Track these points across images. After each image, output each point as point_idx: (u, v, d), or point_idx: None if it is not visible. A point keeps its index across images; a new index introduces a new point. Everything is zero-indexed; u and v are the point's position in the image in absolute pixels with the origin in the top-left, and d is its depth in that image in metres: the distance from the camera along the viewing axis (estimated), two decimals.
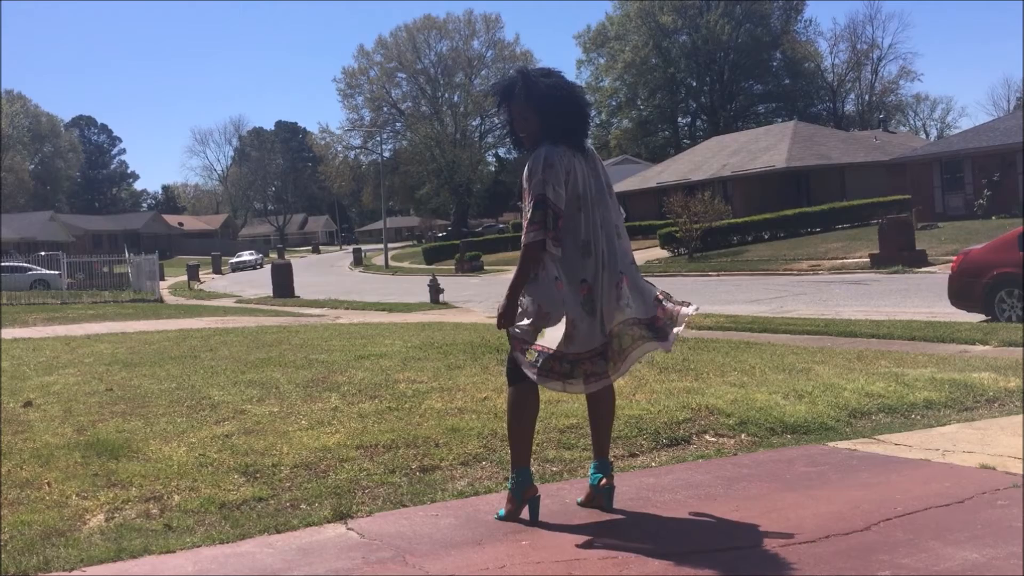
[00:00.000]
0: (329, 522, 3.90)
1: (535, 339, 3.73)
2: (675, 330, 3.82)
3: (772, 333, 11.00)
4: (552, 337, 3.70)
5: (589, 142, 3.99)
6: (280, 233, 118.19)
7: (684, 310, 3.83)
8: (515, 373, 3.88)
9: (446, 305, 22.17)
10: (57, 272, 33.22)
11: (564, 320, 3.69)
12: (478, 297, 24.86)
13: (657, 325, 3.83)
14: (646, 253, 38.50)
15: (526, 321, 3.76)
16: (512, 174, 78.45)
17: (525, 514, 3.83)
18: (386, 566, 3.37)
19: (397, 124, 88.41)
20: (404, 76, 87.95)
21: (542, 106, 3.81)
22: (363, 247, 79.76)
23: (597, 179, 3.87)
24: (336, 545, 3.62)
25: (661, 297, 3.90)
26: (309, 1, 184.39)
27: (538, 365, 3.69)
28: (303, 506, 4.14)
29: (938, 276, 19.40)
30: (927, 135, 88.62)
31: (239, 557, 3.52)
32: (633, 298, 3.83)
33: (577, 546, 3.52)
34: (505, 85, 3.93)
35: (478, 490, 4.33)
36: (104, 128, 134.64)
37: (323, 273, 53.90)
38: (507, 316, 3.77)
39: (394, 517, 3.96)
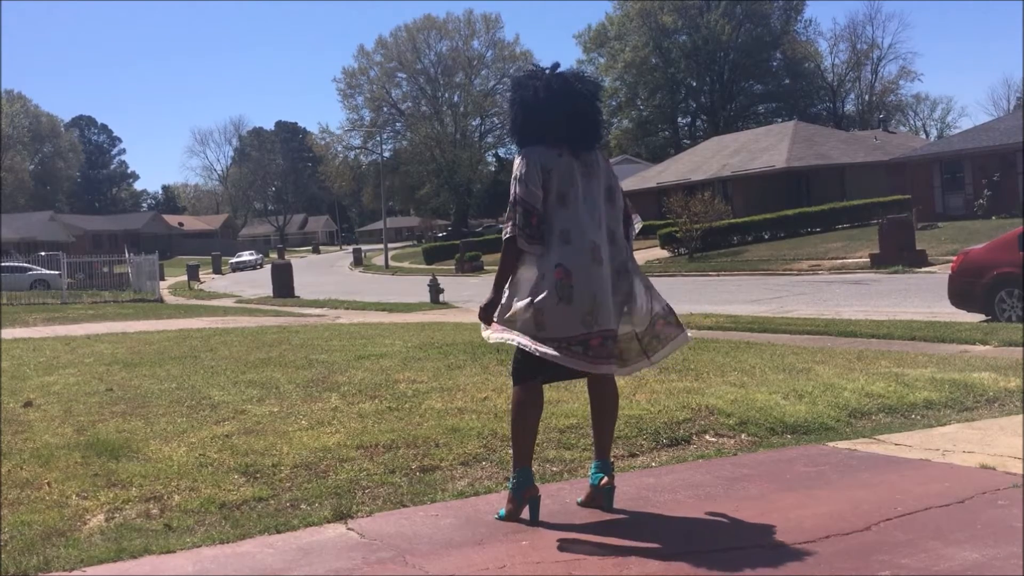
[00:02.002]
0: (329, 522, 3.90)
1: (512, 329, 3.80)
2: (662, 351, 3.98)
3: (772, 333, 11.00)
4: (523, 328, 3.76)
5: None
6: (280, 233, 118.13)
7: (678, 338, 4.00)
8: (520, 372, 3.89)
9: (446, 305, 22.16)
10: (57, 272, 33.20)
11: (532, 308, 3.73)
12: (478, 297, 24.74)
13: (657, 328, 3.94)
14: (646, 253, 38.48)
15: (508, 313, 3.83)
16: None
17: (526, 514, 3.83)
18: (386, 566, 3.37)
19: (397, 124, 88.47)
20: (404, 76, 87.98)
21: (512, 108, 3.93)
22: (363, 247, 79.73)
23: (592, 179, 3.86)
24: (336, 545, 3.62)
25: (662, 313, 3.98)
26: (309, 1, 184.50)
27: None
28: (303, 506, 4.14)
29: (938, 276, 19.39)
30: (927, 135, 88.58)
31: (239, 557, 3.52)
32: (636, 303, 3.87)
33: (577, 546, 3.52)
34: None
35: (478, 490, 4.33)
36: (104, 128, 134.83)
37: (323, 273, 53.90)
38: (487, 310, 3.92)
39: (394, 517, 3.96)
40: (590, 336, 3.71)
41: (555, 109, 3.83)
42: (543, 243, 3.76)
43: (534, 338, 3.72)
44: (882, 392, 6.24)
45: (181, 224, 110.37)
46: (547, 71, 3.93)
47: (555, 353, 3.69)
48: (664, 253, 38.09)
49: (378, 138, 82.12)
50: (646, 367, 4.05)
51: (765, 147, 47.35)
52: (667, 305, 4.04)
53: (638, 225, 4.14)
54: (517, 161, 3.84)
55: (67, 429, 5.76)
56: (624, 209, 4.04)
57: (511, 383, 4.00)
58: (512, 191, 3.79)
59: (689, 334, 4.11)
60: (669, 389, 6.40)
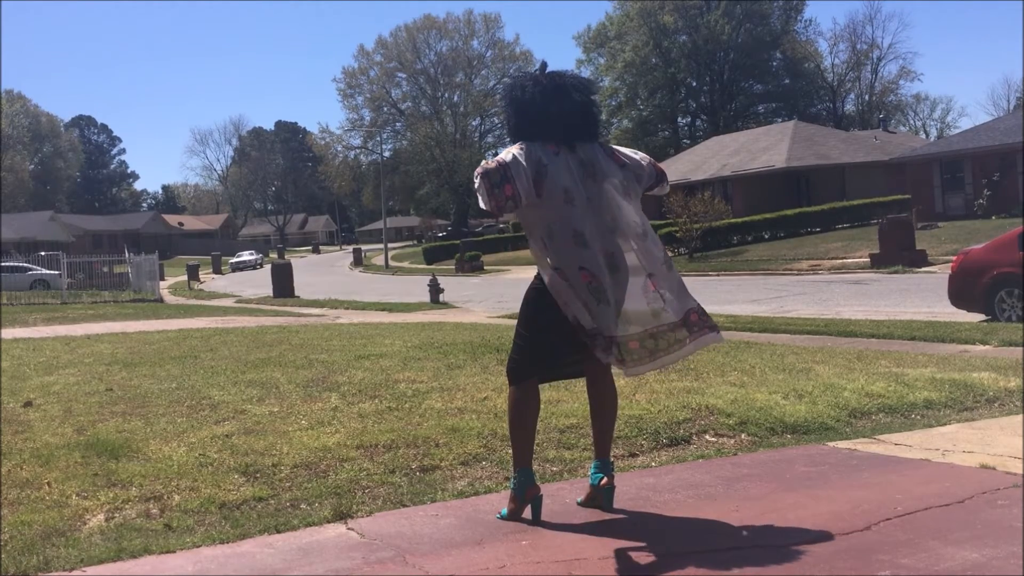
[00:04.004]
0: (329, 522, 3.90)
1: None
2: (692, 346, 3.88)
3: (772, 333, 11.00)
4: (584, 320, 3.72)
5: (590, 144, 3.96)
6: (280, 233, 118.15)
7: (708, 336, 3.90)
8: (516, 373, 3.88)
9: (446, 305, 22.16)
10: (57, 272, 33.20)
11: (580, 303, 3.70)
12: (478, 297, 24.85)
13: (691, 320, 3.86)
14: None
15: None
16: None
17: (527, 514, 3.84)
18: (386, 566, 3.37)
19: (397, 124, 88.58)
20: (404, 76, 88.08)
21: (506, 111, 3.97)
22: (363, 247, 79.72)
23: (597, 182, 3.82)
24: (336, 545, 3.62)
25: (697, 310, 3.92)
26: (309, 1, 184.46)
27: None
28: (303, 506, 4.14)
29: (938, 276, 19.39)
30: (927, 135, 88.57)
31: (239, 557, 3.52)
32: (667, 301, 3.82)
33: (577, 546, 3.52)
34: None
35: (478, 490, 4.33)
36: (104, 128, 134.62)
37: (323, 273, 53.89)
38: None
39: (394, 517, 3.96)
40: (630, 339, 3.72)
41: (546, 103, 3.82)
42: (557, 238, 3.73)
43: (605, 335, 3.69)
44: (882, 392, 6.24)
45: (181, 224, 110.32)
46: (535, 71, 3.98)
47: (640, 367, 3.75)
48: None
49: (378, 138, 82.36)
50: (651, 369, 3.94)
51: (765, 147, 47.35)
52: (692, 308, 3.91)
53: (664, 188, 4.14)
54: (516, 145, 3.81)
55: (67, 429, 5.76)
56: (650, 177, 4.01)
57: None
58: (499, 156, 3.75)
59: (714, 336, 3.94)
60: (669, 389, 6.40)
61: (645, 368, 3.86)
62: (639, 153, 4.10)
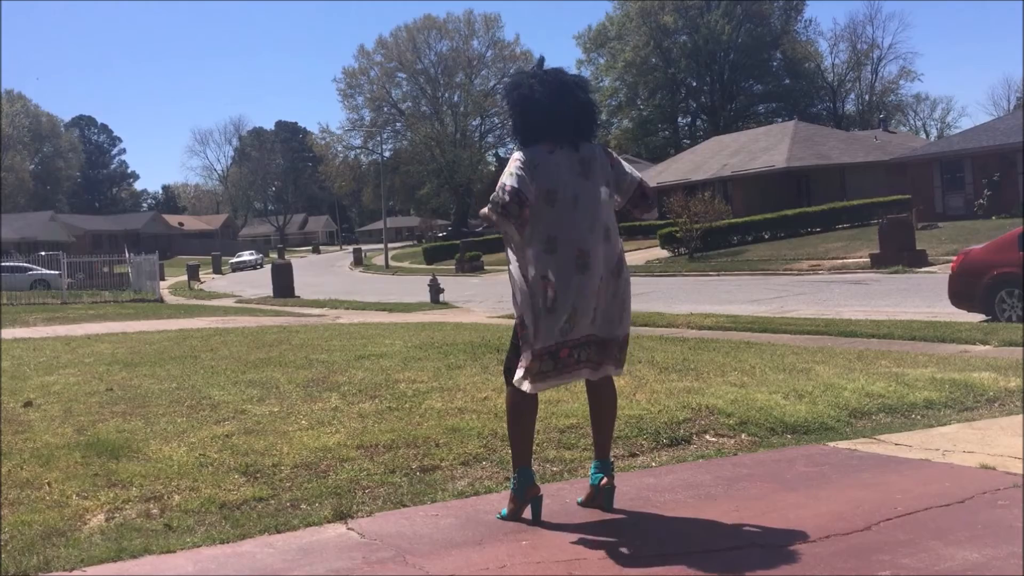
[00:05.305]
0: (329, 522, 3.90)
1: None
2: (597, 372, 3.88)
3: (772, 333, 11.00)
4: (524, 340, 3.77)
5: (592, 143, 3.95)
6: (280, 233, 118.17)
7: (611, 369, 3.90)
8: (512, 373, 3.88)
9: (446, 305, 22.16)
10: (57, 272, 33.20)
11: (532, 313, 3.73)
12: (478, 297, 24.84)
13: (609, 349, 3.86)
14: (646, 253, 38.50)
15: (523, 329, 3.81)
16: None
17: (527, 514, 3.84)
18: (386, 566, 3.37)
19: (397, 124, 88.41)
20: (404, 76, 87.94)
21: (510, 111, 3.95)
22: (363, 247, 79.72)
23: (589, 179, 3.81)
24: (336, 545, 3.62)
25: (620, 344, 3.90)
26: (309, 1, 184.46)
27: (525, 367, 3.75)
28: (303, 506, 4.14)
29: (938, 276, 19.39)
30: (927, 135, 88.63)
31: (239, 557, 3.52)
32: (600, 313, 3.81)
33: (577, 546, 3.52)
34: None
35: (478, 490, 4.33)
36: (104, 128, 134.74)
37: (323, 273, 53.90)
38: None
39: (394, 517, 3.96)
40: (562, 346, 3.72)
41: (552, 102, 3.80)
42: (533, 240, 3.74)
43: (531, 349, 3.74)
44: (882, 392, 6.24)
45: (181, 224, 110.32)
46: (534, 68, 3.98)
47: (539, 384, 3.75)
48: (664, 253, 38.08)
49: (378, 138, 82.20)
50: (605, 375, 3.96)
51: (765, 147, 47.34)
52: (620, 336, 3.91)
53: (650, 215, 4.08)
54: (514, 154, 3.82)
55: (67, 429, 5.76)
56: (632, 194, 3.96)
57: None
58: (502, 181, 3.72)
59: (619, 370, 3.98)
60: (669, 389, 6.40)
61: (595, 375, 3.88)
62: (635, 171, 4.05)
